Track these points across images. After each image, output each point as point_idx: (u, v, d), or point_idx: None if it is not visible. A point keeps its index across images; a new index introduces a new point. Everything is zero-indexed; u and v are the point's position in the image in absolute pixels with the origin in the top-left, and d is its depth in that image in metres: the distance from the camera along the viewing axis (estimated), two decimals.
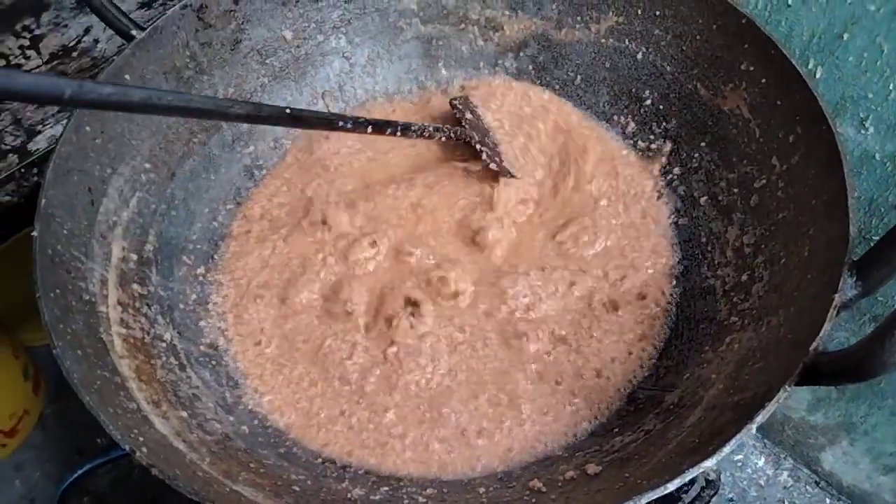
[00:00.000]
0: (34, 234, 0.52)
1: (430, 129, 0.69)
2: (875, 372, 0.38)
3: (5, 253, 0.98)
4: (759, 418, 0.42)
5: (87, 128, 0.59)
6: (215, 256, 0.71)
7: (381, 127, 0.63)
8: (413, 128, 0.67)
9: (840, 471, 1.01)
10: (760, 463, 1.06)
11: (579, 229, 0.69)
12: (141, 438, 0.46)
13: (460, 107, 0.76)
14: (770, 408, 0.43)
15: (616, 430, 0.58)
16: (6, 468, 1.02)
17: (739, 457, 1.06)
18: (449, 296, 0.65)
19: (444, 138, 0.71)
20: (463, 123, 0.74)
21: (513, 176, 0.73)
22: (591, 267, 0.68)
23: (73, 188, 0.57)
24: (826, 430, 1.03)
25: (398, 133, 0.65)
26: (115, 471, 1.06)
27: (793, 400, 1.04)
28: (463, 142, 0.73)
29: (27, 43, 0.83)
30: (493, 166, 0.72)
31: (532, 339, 0.64)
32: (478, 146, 0.72)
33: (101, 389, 0.48)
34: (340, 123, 0.60)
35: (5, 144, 0.82)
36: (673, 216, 0.71)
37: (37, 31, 0.83)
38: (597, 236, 0.69)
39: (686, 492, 0.66)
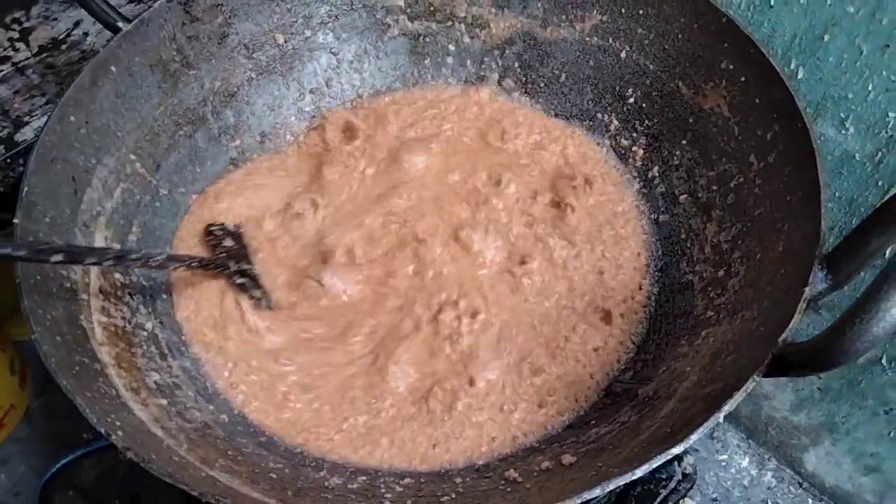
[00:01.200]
0: (15, 221, 0.52)
1: (174, 261, 0.62)
2: (838, 361, 0.39)
3: None
4: (727, 407, 0.43)
5: (72, 118, 0.60)
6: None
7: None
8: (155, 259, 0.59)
9: (823, 471, 1.01)
10: (744, 463, 1.07)
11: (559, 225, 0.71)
12: (118, 423, 0.46)
13: (219, 233, 0.70)
14: (738, 397, 0.43)
15: (593, 422, 0.59)
16: None
17: (724, 457, 1.07)
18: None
19: (193, 268, 0.64)
20: (218, 252, 0.68)
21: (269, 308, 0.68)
22: (571, 264, 0.69)
23: (56, 177, 0.58)
24: (809, 431, 1.03)
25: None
26: (100, 465, 1.06)
27: (777, 400, 1.04)
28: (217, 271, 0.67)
29: (17, 35, 0.84)
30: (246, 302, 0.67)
31: (511, 336, 0.64)
32: (234, 278, 0.67)
33: (79, 374, 0.49)
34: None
35: None
36: (653, 213, 0.71)
37: (26, 24, 0.84)
38: (576, 233, 0.70)
39: (664, 486, 0.67)
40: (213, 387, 0.62)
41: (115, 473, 1.05)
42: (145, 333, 0.60)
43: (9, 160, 0.84)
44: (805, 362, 0.42)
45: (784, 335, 0.45)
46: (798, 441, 1.02)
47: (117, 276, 0.61)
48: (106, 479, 1.04)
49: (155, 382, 0.56)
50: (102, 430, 0.44)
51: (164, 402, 0.55)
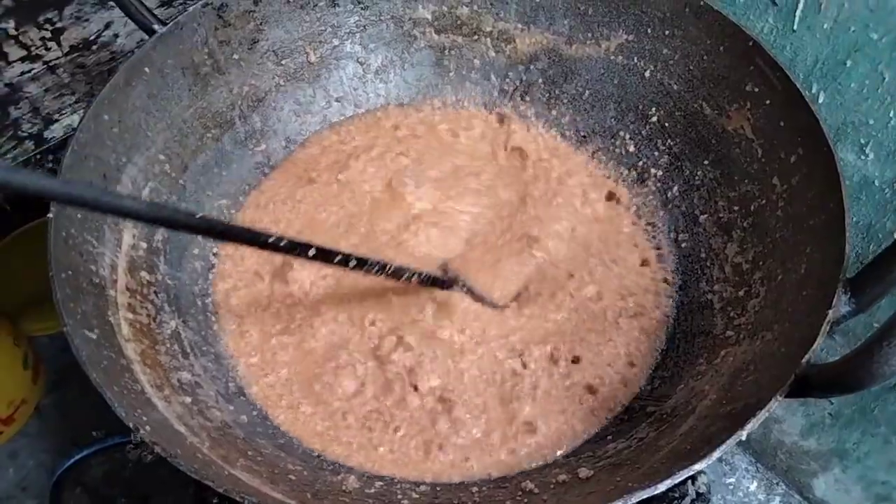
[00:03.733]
0: (50, 215, 0.53)
1: (398, 269, 0.57)
2: (864, 383, 0.39)
3: (11, 243, 0.99)
4: (750, 426, 0.43)
5: (106, 116, 0.61)
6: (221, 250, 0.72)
7: (327, 256, 0.51)
8: (374, 266, 0.54)
9: (832, 498, 1.01)
10: (752, 487, 1.07)
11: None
12: (144, 418, 0.47)
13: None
14: (761, 416, 0.44)
15: (610, 437, 0.59)
16: (0, 455, 1.02)
17: (731, 480, 1.07)
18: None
19: (414, 280, 0.60)
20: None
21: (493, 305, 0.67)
22: (591, 282, 0.69)
23: (88, 174, 0.59)
24: (819, 456, 1.03)
25: (350, 266, 0.53)
26: (108, 464, 1.06)
27: (787, 424, 1.04)
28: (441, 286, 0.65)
29: (49, 35, 0.85)
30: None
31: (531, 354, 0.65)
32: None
33: (107, 369, 0.49)
34: (271, 241, 0.47)
35: (22, 132, 0.84)
36: (673, 233, 0.72)
37: (58, 24, 0.85)
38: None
39: None
40: (236, 387, 0.62)
41: (122, 473, 1.05)
42: (169, 331, 0.61)
43: (38, 156, 0.85)
44: (829, 384, 0.43)
45: (808, 356, 0.45)
46: (807, 466, 1.02)
47: (143, 273, 0.62)
48: (113, 478, 1.04)
49: (178, 380, 0.57)
50: (131, 425, 0.44)
51: (187, 399, 0.56)
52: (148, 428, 0.45)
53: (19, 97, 0.83)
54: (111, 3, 0.88)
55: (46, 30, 0.85)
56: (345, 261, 0.51)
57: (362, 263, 0.53)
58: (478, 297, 0.66)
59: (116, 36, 0.90)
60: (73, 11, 0.87)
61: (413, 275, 0.58)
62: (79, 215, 0.57)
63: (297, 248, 0.48)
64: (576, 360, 0.65)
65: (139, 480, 1.03)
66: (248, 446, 0.55)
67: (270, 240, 0.46)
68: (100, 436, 0.89)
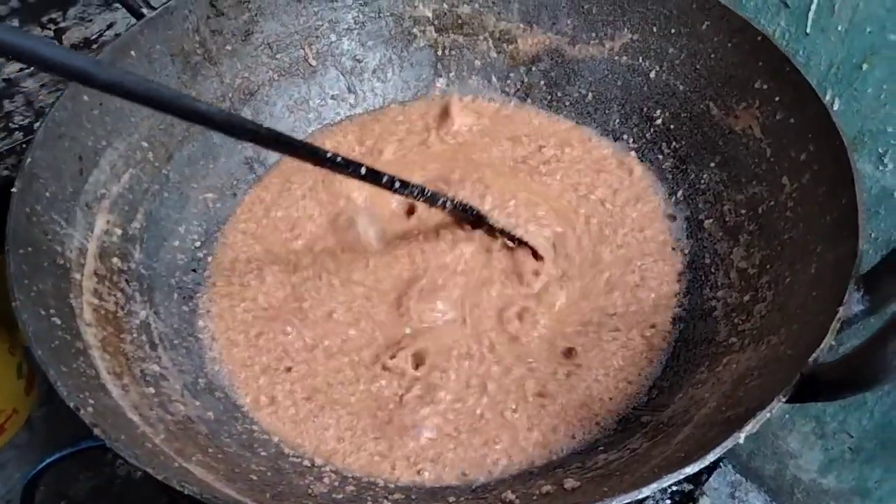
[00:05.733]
0: (13, 189, 0.51)
1: (434, 195, 0.61)
2: (876, 379, 0.35)
3: None
4: (749, 427, 0.39)
5: (86, 97, 0.59)
6: (204, 244, 0.69)
7: (375, 177, 0.54)
8: (415, 190, 0.58)
9: None
10: None
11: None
12: (91, 401, 0.44)
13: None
14: (761, 417, 0.39)
15: (601, 448, 0.54)
16: None
17: None
18: None
19: (448, 206, 0.63)
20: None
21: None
22: (589, 289, 0.65)
23: (62, 154, 0.57)
24: (838, 495, 0.97)
25: (394, 188, 0.56)
26: (95, 479, 1.03)
27: (804, 459, 0.98)
28: (473, 219, 0.66)
29: (51, 34, 0.86)
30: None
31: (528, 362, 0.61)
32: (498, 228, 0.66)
33: (58, 349, 0.46)
34: (328, 157, 0.51)
35: (14, 123, 0.84)
36: (676, 237, 0.68)
37: (62, 24, 0.86)
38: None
39: None
40: (206, 382, 0.59)
41: (110, 488, 1.02)
42: (137, 322, 0.58)
43: (24, 145, 0.84)
44: (838, 382, 0.38)
45: (815, 354, 0.41)
46: None
47: (115, 260, 0.60)
48: (100, 493, 1.01)
49: (141, 370, 0.54)
50: (71, 405, 0.41)
51: (150, 391, 0.53)
52: (91, 410, 0.42)
53: (14, 91, 0.83)
54: (115, 5, 0.89)
55: (49, 29, 0.85)
56: (390, 182, 0.55)
57: (405, 186, 0.57)
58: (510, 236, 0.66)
59: (118, 35, 0.90)
60: (78, 12, 0.87)
61: (447, 201, 0.62)
62: (47, 194, 0.54)
63: (349, 167, 0.52)
64: (568, 374, 0.60)
65: (127, 496, 1.00)
66: (209, 443, 0.52)
67: (328, 155, 0.50)
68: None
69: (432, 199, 0.61)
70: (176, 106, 0.41)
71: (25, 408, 1.03)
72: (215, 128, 0.44)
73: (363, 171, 0.53)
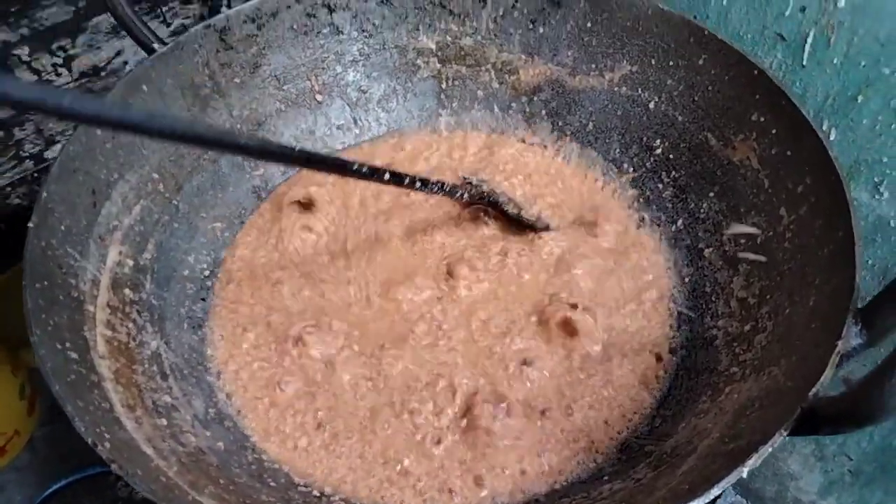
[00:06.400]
0: (30, 224, 0.52)
1: (453, 187, 0.66)
2: (875, 416, 0.36)
3: (18, 271, 0.99)
4: (752, 462, 0.40)
5: (99, 131, 0.60)
6: (213, 274, 0.70)
7: (398, 179, 0.60)
8: (434, 185, 0.64)
9: None
10: None
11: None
12: (107, 435, 0.45)
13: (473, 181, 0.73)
14: (763, 452, 0.40)
15: (606, 477, 0.55)
16: None
17: None
18: None
19: (465, 197, 0.68)
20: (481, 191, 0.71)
21: (548, 227, 0.71)
22: (592, 317, 0.66)
23: (76, 187, 0.58)
24: None
25: (416, 186, 0.62)
26: (98, 502, 1.03)
27: (804, 482, 0.99)
28: (485, 204, 0.71)
29: (60, 61, 0.87)
30: (526, 219, 0.70)
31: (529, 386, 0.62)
32: (506, 206, 0.70)
33: (74, 383, 0.47)
34: (355, 168, 0.55)
35: (24, 151, 0.85)
36: (677, 266, 0.69)
37: (71, 52, 0.87)
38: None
39: None
40: (216, 412, 0.60)
41: None
42: (149, 352, 0.59)
43: (36, 174, 0.85)
44: (837, 417, 0.39)
45: (815, 389, 0.42)
46: None
47: (127, 291, 0.60)
48: None
49: (153, 402, 0.55)
50: (89, 440, 0.42)
51: (161, 422, 0.53)
52: (108, 445, 0.43)
53: (25, 119, 0.84)
54: (123, 34, 0.90)
55: (59, 56, 0.87)
56: (412, 182, 0.61)
57: (425, 184, 0.63)
58: (514, 211, 0.70)
59: (126, 63, 0.91)
60: (87, 40, 0.88)
61: (461, 193, 0.68)
62: (62, 227, 0.55)
63: (374, 174, 0.57)
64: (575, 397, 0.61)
65: None
66: (220, 474, 0.52)
67: (354, 167, 0.55)
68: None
69: (451, 192, 0.67)
70: (219, 141, 0.46)
71: (27, 429, 1.03)
72: (250, 154, 0.47)
73: (387, 176, 0.58)
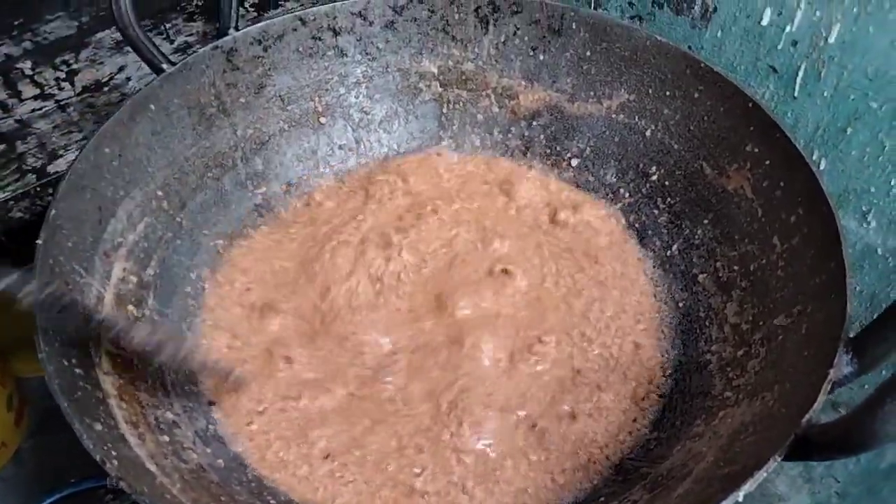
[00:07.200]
0: (38, 242, 0.52)
1: None
2: (866, 444, 0.37)
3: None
4: (746, 487, 0.41)
5: (107, 149, 0.61)
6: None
7: None
8: None
9: None
10: None
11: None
12: (114, 453, 0.45)
13: None
14: (758, 477, 0.41)
15: (602, 499, 0.56)
16: None
17: None
18: None
19: None
20: None
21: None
22: (584, 338, 0.68)
23: (83, 204, 0.58)
24: None
25: None
26: None
27: (791, 503, 1.00)
28: None
29: (63, 76, 0.87)
30: None
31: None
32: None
33: (80, 400, 0.48)
34: None
35: (27, 165, 0.85)
36: (671, 290, 0.71)
37: (74, 66, 0.87)
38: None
39: None
40: (214, 430, 0.60)
41: None
42: (151, 368, 0.59)
43: (38, 188, 0.86)
44: (830, 444, 0.41)
45: (808, 416, 0.43)
46: None
47: (130, 307, 0.61)
48: None
49: (156, 418, 0.55)
50: (97, 458, 0.42)
51: (163, 438, 0.54)
52: (115, 463, 0.43)
53: (27, 133, 0.84)
54: (126, 49, 0.91)
55: (62, 70, 0.87)
56: None
57: None
58: None
59: (129, 79, 0.92)
60: (90, 55, 0.89)
61: None
62: (69, 244, 0.56)
63: None
64: (571, 418, 0.62)
65: None
66: (222, 491, 0.53)
67: None
68: (76, 480, 0.86)
69: None
70: None
71: (14, 440, 1.02)
72: None
73: None
